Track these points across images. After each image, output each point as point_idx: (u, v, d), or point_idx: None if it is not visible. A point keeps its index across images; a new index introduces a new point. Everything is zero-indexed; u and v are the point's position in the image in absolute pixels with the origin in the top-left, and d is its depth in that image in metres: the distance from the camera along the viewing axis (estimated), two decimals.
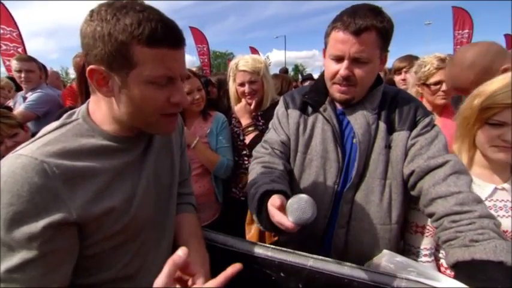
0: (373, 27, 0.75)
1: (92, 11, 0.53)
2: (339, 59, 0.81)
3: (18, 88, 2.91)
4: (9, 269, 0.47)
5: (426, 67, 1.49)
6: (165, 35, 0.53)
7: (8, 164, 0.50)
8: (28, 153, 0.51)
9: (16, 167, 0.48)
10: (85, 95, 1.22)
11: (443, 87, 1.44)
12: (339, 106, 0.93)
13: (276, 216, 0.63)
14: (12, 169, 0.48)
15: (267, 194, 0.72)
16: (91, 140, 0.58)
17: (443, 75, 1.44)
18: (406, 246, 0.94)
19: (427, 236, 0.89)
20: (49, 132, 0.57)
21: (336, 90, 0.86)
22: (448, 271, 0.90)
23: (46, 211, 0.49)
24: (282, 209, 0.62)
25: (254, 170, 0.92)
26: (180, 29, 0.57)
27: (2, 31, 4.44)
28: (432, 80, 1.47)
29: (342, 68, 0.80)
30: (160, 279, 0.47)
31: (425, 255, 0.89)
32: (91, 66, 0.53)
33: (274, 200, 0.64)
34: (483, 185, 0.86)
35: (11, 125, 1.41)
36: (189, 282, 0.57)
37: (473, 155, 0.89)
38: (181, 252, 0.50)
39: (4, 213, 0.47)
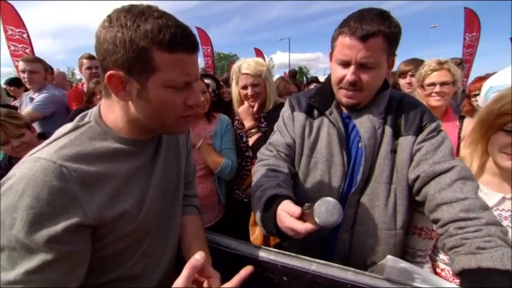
0: (380, 32, 0.75)
1: (110, 17, 0.54)
2: (345, 64, 0.81)
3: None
4: (28, 270, 0.48)
5: (423, 69, 1.54)
6: (184, 40, 0.55)
7: (27, 166, 0.50)
8: (46, 156, 0.51)
9: (36, 170, 0.49)
10: None
11: (437, 88, 1.49)
12: (344, 110, 0.92)
13: (287, 221, 0.63)
14: (32, 172, 0.49)
15: (273, 198, 0.73)
16: (104, 143, 0.59)
17: (437, 77, 1.49)
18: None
19: (424, 238, 0.89)
20: (64, 135, 0.58)
21: (342, 95, 0.86)
22: (443, 273, 0.89)
23: (64, 214, 0.50)
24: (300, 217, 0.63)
25: (259, 172, 0.92)
26: (194, 34, 0.58)
27: (10, 32, 4.51)
28: (427, 81, 1.53)
29: (348, 74, 0.80)
30: (179, 282, 0.49)
31: (419, 256, 0.89)
32: (110, 72, 0.54)
33: (289, 207, 0.65)
34: (490, 193, 0.85)
35: (18, 126, 1.43)
36: (205, 284, 0.60)
37: (485, 162, 0.88)
38: (198, 256, 0.52)
39: (24, 216, 0.47)
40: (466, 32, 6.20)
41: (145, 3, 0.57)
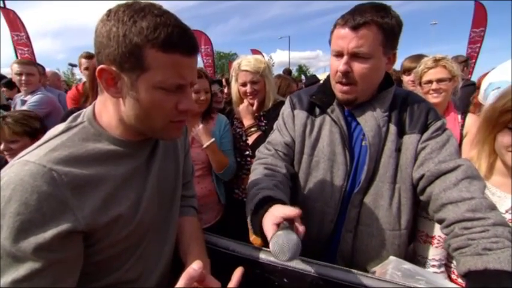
0: (372, 22, 0.74)
1: (110, 11, 0.53)
2: (339, 55, 0.81)
3: None
4: (16, 279, 0.46)
5: (420, 67, 1.55)
6: (180, 41, 0.52)
7: (15, 170, 0.48)
8: (36, 159, 0.49)
9: (24, 174, 0.47)
10: (96, 93, 1.25)
11: (433, 85, 1.49)
12: (346, 107, 0.90)
13: (266, 226, 0.64)
14: (20, 176, 0.47)
15: (267, 200, 0.71)
16: (98, 145, 0.57)
17: (433, 74, 1.50)
18: (412, 255, 0.91)
19: (436, 247, 0.86)
20: (55, 137, 0.56)
21: (338, 90, 0.85)
22: (460, 280, 0.86)
23: (54, 220, 0.47)
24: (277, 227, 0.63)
25: (256, 170, 0.90)
26: (195, 37, 0.56)
27: (16, 38, 4.61)
28: (424, 79, 1.54)
29: (340, 64, 0.79)
30: None
31: (433, 265, 0.86)
32: (101, 66, 0.53)
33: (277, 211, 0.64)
34: (504, 196, 0.82)
35: (15, 131, 1.35)
36: None
37: (494, 162, 0.86)
38: (196, 266, 0.50)
39: (11, 223, 0.45)
40: (473, 27, 6.07)
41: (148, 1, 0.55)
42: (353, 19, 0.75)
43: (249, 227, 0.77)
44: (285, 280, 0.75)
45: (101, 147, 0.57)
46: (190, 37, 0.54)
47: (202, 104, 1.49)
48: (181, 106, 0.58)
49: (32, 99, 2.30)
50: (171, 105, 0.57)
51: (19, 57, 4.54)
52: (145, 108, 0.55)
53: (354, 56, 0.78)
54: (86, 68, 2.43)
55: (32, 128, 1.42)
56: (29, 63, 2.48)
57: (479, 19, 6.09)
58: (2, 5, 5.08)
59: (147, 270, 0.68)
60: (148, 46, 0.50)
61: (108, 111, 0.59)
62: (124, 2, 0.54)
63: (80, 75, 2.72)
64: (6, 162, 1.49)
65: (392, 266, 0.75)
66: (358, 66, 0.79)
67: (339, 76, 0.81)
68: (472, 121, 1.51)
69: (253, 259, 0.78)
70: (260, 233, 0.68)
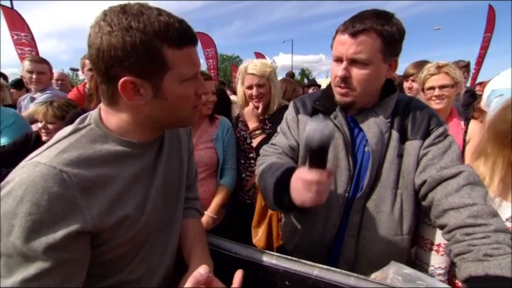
0: (372, 29, 0.75)
1: (109, 24, 0.51)
2: (339, 61, 0.82)
3: None
4: (25, 278, 0.47)
5: (423, 73, 1.56)
6: (188, 34, 0.56)
7: (26, 171, 0.49)
8: (46, 161, 0.50)
9: (35, 175, 0.48)
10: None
11: (436, 92, 1.50)
12: (349, 113, 0.91)
13: (301, 173, 0.64)
14: (31, 177, 0.48)
15: (292, 170, 0.71)
16: (105, 146, 0.58)
17: (435, 81, 1.51)
18: (417, 262, 0.91)
19: (442, 255, 0.85)
20: (64, 138, 0.57)
21: (336, 93, 0.86)
22: (460, 284, 0.87)
23: (64, 221, 0.48)
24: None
25: (267, 162, 0.90)
26: (189, 24, 0.60)
27: (16, 37, 4.63)
28: (426, 85, 1.55)
29: (339, 69, 0.81)
30: None
31: (439, 274, 0.86)
32: (124, 79, 0.52)
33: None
34: (505, 204, 0.81)
35: (55, 115, 1.49)
36: None
37: (507, 176, 0.82)
38: (202, 270, 0.51)
39: (23, 223, 0.46)
40: (486, 31, 5.92)
41: (150, 3, 0.56)
42: (352, 26, 0.76)
43: (267, 195, 0.78)
44: (287, 283, 0.76)
45: (109, 149, 0.58)
46: (189, 27, 0.58)
47: (210, 105, 1.52)
48: (200, 91, 0.63)
49: (41, 98, 2.31)
50: (192, 92, 0.61)
51: (19, 57, 4.55)
52: (174, 104, 0.59)
53: (353, 61, 0.79)
54: (90, 69, 2.44)
55: (67, 116, 1.54)
56: (41, 61, 2.46)
57: (491, 24, 5.96)
58: (9, 5, 5.12)
59: (150, 271, 0.68)
60: (165, 46, 0.53)
61: (120, 117, 0.60)
62: (110, 9, 0.52)
63: (83, 75, 2.70)
64: (37, 137, 1.55)
65: (393, 271, 0.75)
66: (356, 72, 0.80)
67: (338, 81, 0.83)
68: (475, 127, 1.51)
69: (255, 261, 0.78)
70: (288, 204, 0.70)
